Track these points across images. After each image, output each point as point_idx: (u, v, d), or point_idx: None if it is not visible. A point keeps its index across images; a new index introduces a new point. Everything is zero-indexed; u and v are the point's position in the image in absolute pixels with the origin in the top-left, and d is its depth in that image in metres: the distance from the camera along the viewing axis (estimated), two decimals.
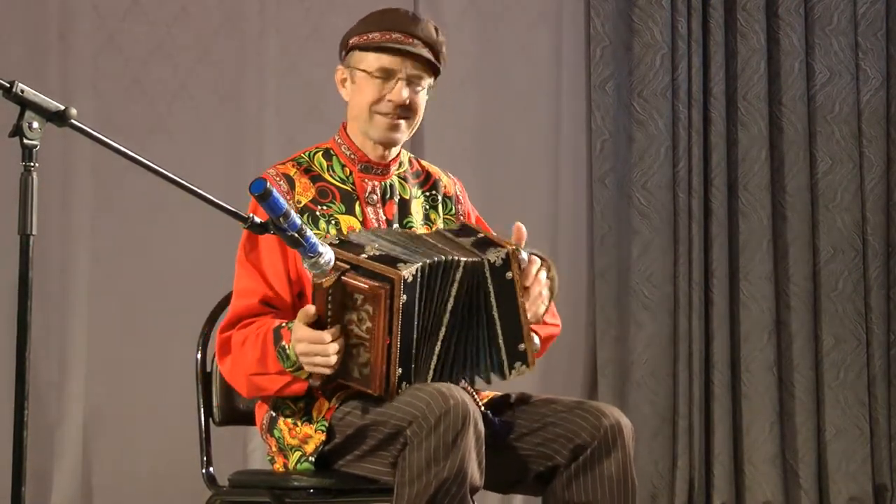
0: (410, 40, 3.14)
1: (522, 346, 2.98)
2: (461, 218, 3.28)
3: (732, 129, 5.73)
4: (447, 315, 2.92)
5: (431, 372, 2.94)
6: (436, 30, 3.19)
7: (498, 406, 3.12)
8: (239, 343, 3.06)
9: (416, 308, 2.87)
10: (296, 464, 3.07)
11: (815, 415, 5.70)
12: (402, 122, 3.17)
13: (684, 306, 5.61)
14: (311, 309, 2.90)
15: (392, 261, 2.86)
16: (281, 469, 3.11)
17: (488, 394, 3.15)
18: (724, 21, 5.70)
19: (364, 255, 2.87)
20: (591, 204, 5.64)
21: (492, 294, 2.95)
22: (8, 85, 2.39)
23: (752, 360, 5.68)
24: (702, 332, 5.63)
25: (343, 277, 2.83)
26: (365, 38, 3.16)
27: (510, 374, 2.98)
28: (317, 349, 2.89)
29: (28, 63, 5.00)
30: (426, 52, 3.16)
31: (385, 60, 3.14)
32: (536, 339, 3.06)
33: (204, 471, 3.28)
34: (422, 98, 3.18)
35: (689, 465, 5.59)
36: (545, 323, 3.12)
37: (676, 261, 5.64)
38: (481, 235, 3.02)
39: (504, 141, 5.57)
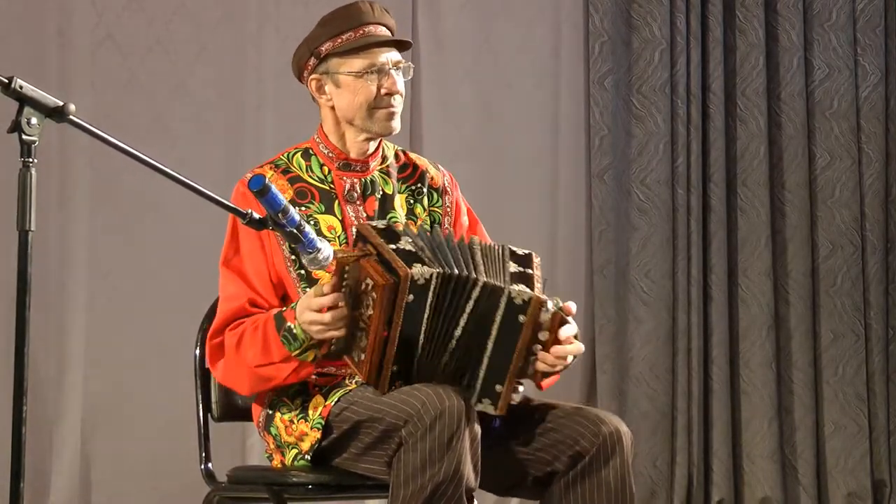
0: (380, 29, 3.17)
1: (499, 388, 2.93)
2: (448, 210, 3.27)
3: (731, 125, 5.72)
4: (458, 329, 2.90)
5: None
6: (386, 11, 3.21)
7: None
8: (234, 343, 3.06)
9: (426, 313, 2.87)
10: (292, 461, 3.07)
11: (813, 411, 5.70)
12: (398, 108, 3.20)
13: (683, 302, 5.61)
14: (322, 286, 2.91)
15: (412, 259, 2.87)
16: (279, 466, 3.11)
17: None
18: (722, 17, 5.69)
19: (391, 246, 2.89)
20: (590, 200, 5.63)
21: (496, 325, 2.89)
22: (6, 81, 2.38)
23: (750, 356, 5.68)
24: (700, 327, 5.63)
25: (362, 260, 2.86)
26: (339, 41, 3.15)
27: (476, 404, 2.92)
28: (316, 303, 2.89)
29: (27, 59, 5.00)
30: (399, 36, 3.21)
31: (373, 57, 3.14)
32: (521, 390, 2.98)
33: (202, 466, 3.27)
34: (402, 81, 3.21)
35: (688, 461, 5.58)
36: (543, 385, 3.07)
37: (675, 257, 5.64)
38: (528, 272, 2.96)
39: (503, 137, 5.56)
